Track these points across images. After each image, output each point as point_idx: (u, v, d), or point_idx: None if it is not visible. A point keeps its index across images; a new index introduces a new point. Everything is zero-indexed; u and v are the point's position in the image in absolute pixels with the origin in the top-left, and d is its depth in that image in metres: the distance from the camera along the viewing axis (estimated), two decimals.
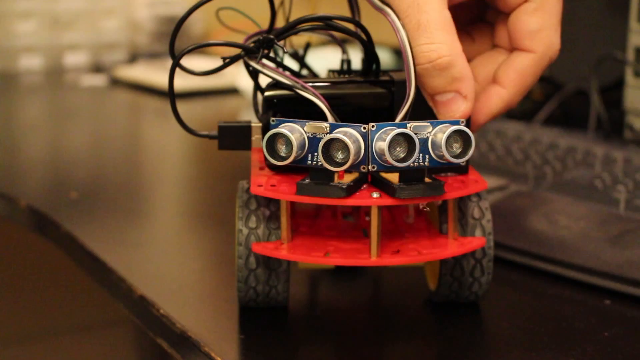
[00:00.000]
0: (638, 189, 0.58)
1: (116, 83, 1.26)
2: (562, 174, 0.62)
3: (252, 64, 0.42)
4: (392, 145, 0.38)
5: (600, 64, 0.76)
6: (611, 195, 0.57)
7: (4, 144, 0.96)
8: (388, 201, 0.39)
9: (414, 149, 0.38)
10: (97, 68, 1.37)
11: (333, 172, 0.39)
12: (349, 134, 0.38)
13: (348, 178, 0.40)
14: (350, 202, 0.39)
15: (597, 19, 0.84)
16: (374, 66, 0.44)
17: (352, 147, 0.38)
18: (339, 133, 0.38)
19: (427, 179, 0.40)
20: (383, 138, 0.39)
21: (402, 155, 0.39)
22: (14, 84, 1.30)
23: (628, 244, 0.51)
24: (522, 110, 0.92)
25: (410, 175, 0.39)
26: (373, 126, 0.39)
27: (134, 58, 1.40)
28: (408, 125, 0.39)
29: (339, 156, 0.39)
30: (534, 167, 0.64)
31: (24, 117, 1.11)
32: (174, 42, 0.43)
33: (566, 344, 0.43)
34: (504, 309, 0.46)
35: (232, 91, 1.11)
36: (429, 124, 0.39)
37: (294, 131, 0.39)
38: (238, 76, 1.13)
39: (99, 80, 1.28)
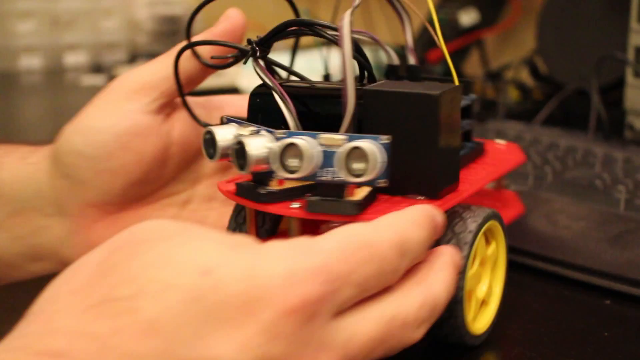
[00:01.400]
0: (638, 189, 0.58)
1: None
2: (562, 174, 0.62)
3: (254, 64, 0.41)
4: (285, 155, 0.37)
5: (600, 64, 0.76)
6: (611, 195, 0.57)
7: (4, 143, 0.96)
8: (301, 213, 0.37)
9: (305, 162, 0.36)
10: (97, 68, 1.37)
11: (270, 179, 0.38)
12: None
13: (289, 185, 0.39)
14: (270, 209, 0.38)
15: (597, 19, 0.85)
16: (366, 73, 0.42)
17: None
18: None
19: (350, 197, 0.37)
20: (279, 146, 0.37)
21: (295, 165, 0.37)
22: (14, 84, 1.30)
23: (628, 244, 0.51)
24: (522, 110, 0.92)
25: (326, 191, 0.37)
26: (283, 133, 0.37)
27: (134, 58, 1.40)
28: (321, 136, 0.37)
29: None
30: (534, 167, 0.64)
31: (24, 117, 1.11)
32: (190, 30, 0.44)
33: (566, 344, 0.43)
34: (504, 308, 0.46)
35: (232, 91, 1.11)
36: (343, 137, 0.37)
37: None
38: (238, 76, 1.13)
39: (99, 80, 1.28)
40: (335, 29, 0.39)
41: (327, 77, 0.47)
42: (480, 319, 0.42)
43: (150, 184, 0.47)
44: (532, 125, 0.78)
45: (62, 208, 0.46)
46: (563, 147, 0.69)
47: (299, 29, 0.40)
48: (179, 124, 0.47)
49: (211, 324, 0.28)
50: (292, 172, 0.37)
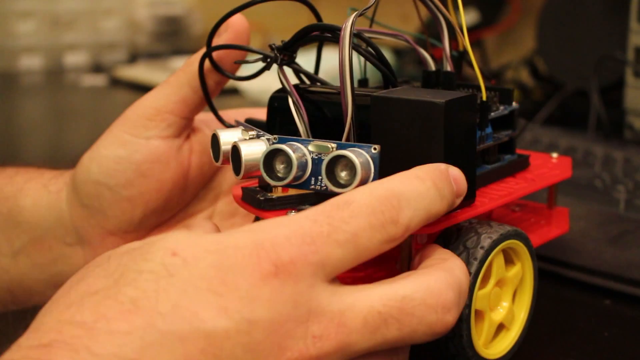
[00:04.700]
0: (638, 189, 0.58)
1: (116, 83, 1.26)
2: None
3: (278, 70, 0.40)
4: (270, 161, 0.36)
5: (600, 64, 0.76)
6: (611, 195, 0.57)
7: (4, 144, 0.96)
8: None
9: (292, 169, 0.36)
10: (97, 68, 1.37)
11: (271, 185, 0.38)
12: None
13: (293, 192, 0.38)
14: (266, 216, 0.37)
15: (597, 19, 0.85)
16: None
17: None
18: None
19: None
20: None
21: (282, 173, 0.36)
22: (14, 84, 1.30)
23: (628, 244, 0.51)
24: (522, 110, 0.92)
25: (322, 199, 0.35)
26: (275, 138, 0.37)
27: (134, 58, 1.40)
28: (312, 143, 0.36)
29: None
30: None
31: (24, 117, 1.11)
32: (212, 39, 0.43)
33: (566, 344, 0.43)
34: None
35: (232, 91, 1.11)
36: (331, 144, 0.36)
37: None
38: None
39: (99, 80, 1.28)
40: (356, 35, 0.38)
41: (363, 82, 0.46)
42: (496, 344, 0.39)
43: (171, 209, 0.46)
44: (532, 125, 0.78)
45: (82, 237, 0.45)
46: (563, 147, 0.69)
47: (322, 35, 0.39)
48: (197, 145, 0.46)
49: (189, 296, 0.28)
50: (280, 179, 0.36)
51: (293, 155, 0.36)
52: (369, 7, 0.38)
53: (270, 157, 0.36)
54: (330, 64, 0.50)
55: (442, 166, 0.34)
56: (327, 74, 0.45)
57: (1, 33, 1.35)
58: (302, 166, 0.36)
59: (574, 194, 0.58)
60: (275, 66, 0.40)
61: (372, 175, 0.35)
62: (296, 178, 0.36)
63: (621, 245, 0.51)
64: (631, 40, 0.73)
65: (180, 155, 0.45)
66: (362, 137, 0.37)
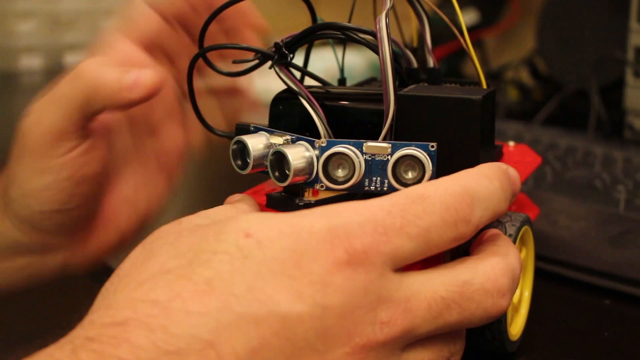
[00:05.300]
0: (638, 189, 0.58)
1: None
2: (562, 174, 0.62)
3: (276, 69, 0.39)
4: (330, 164, 0.36)
5: (600, 64, 0.76)
6: (611, 195, 0.57)
7: (4, 144, 0.96)
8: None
9: (354, 171, 0.35)
10: None
11: (304, 189, 0.37)
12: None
13: (325, 195, 0.37)
14: None
15: (597, 19, 0.85)
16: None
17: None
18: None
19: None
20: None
21: (342, 176, 0.36)
22: (14, 84, 1.30)
23: (628, 244, 0.51)
24: (522, 110, 0.92)
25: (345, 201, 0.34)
26: (323, 142, 0.36)
27: None
28: (365, 144, 0.36)
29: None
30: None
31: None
32: (204, 36, 0.42)
33: (566, 344, 0.43)
34: None
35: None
36: (387, 144, 0.35)
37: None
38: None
39: None
40: (367, 32, 0.37)
41: (342, 81, 0.45)
42: (514, 325, 0.41)
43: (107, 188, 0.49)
44: (532, 125, 0.78)
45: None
46: (563, 147, 0.69)
47: (329, 33, 0.39)
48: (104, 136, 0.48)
49: (263, 278, 0.29)
50: (338, 182, 0.36)
51: (355, 159, 0.36)
52: (391, 6, 0.38)
53: (327, 160, 0.36)
54: (328, 64, 0.50)
55: (503, 166, 0.35)
56: (321, 75, 0.44)
57: (1, 33, 1.35)
58: (363, 168, 0.36)
59: (574, 194, 0.58)
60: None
61: (432, 174, 0.35)
62: (355, 181, 0.36)
63: (621, 245, 0.51)
64: (631, 40, 0.73)
65: (95, 153, 0.47)
66: (376, 135, 0.37)
